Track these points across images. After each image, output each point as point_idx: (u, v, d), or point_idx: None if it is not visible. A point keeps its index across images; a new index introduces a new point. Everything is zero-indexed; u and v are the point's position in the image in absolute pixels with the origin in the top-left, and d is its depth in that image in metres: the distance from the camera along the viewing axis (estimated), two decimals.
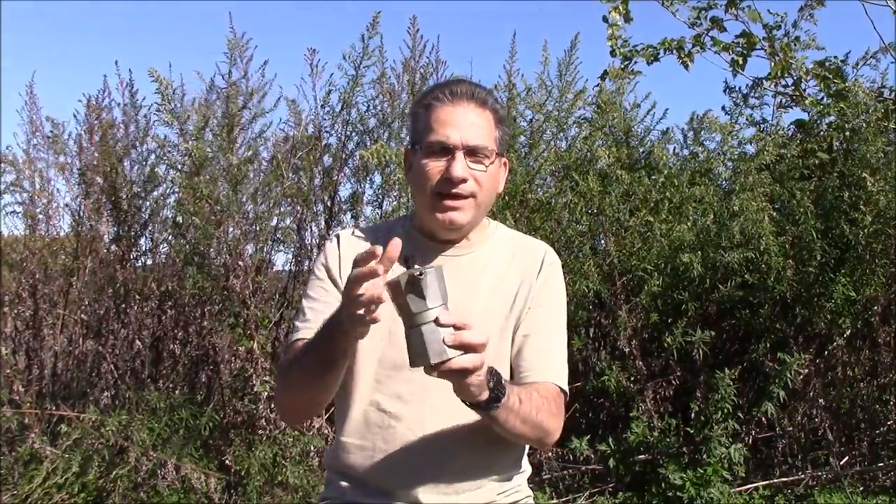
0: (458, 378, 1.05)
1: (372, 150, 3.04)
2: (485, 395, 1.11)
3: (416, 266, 1.04)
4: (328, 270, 1.36)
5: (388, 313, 1.27)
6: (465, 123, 1.28)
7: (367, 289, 1.02)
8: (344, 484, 1.34)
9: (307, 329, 1.31)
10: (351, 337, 1.13)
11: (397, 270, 1.05)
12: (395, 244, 1.03)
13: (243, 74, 3.25)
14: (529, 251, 1.40)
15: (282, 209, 3.42)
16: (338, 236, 1.40)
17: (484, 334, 1.05)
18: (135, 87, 3.50)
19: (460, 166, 1.26)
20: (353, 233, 1.41)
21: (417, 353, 1.04)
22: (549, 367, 1.33)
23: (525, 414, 1.21)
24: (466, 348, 1.03)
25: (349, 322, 1.08)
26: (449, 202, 1.28)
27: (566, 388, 1.34)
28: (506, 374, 1.31)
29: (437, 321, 1.02)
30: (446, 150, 1.27)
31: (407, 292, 1.03)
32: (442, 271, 1.05)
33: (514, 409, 1.18)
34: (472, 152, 1.28)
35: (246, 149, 3.31)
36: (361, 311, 1.04)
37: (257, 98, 3.26)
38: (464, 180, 1.27)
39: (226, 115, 3.21)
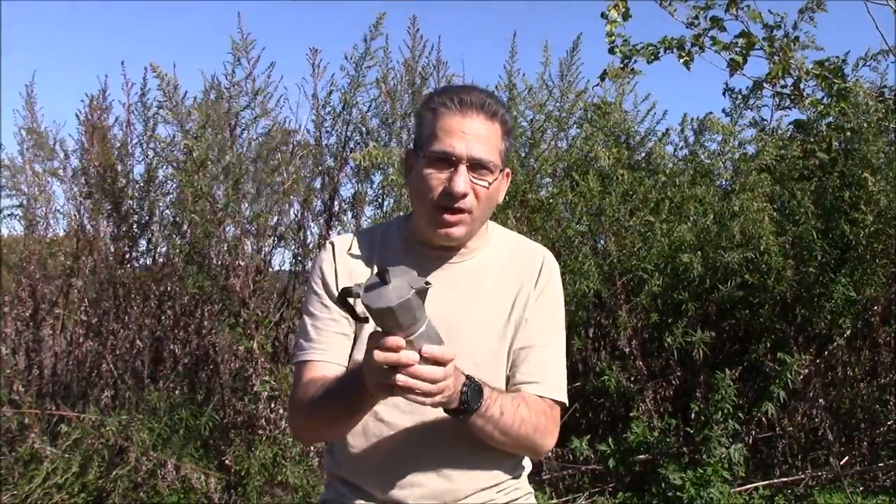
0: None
1: (364, 152, 3.04)
2: (453, 403, 1.14)
3: (391, 297, 1.03)
4: (325, 285, 1.33)
5: None
6: (471, 135, 1.24)
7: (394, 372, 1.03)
8: (343, 489, 1.34)
9: (314, 350, 1.30)
10: (380, 397, 1.14)
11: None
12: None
13: (248, 74, 3.24)
14: (527, 256, 1.39)
15: (282, 209, 3.42)
16: (332, 244, 1.38)
17: (452, 350, 1.07)
18: (147, 86, 3.48)
19: (462, 181, 1.23)
20: (346, 239, 1.38)
21: None
22: (545, 379, 1.32)
23: (505, 426, 1.22)
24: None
25: (379, 390, 1.08)
26: (448, 217, 1.26)
27: (564, 398, 1.34)
28: (501, 381, 1.32)
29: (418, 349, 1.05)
30: (450, 162, 1.24)
31: (386, 317, 1.04)
32: (419, 294, 1.05)
33: (492, 419, 1.20)
34: (476, 166, 1.25)
35: (246, 148, 3.31)
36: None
37: (259, 98, 3.26)
38: (465, 195, 1.25)
39: (226, 114, 3.21)
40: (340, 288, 1.12)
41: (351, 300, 1.10)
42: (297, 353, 1.33)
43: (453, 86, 1.36)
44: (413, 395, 1.05)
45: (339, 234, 3.40)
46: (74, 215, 3.64)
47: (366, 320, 1.12)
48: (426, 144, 1.27)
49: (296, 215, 3.48)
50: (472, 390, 1.15)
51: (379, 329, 1.05)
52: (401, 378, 1.03)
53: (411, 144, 1.38)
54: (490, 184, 1.27)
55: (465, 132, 1.24)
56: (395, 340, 1.02)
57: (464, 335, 1.28)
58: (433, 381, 1.04)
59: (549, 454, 3.12)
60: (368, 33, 3.25)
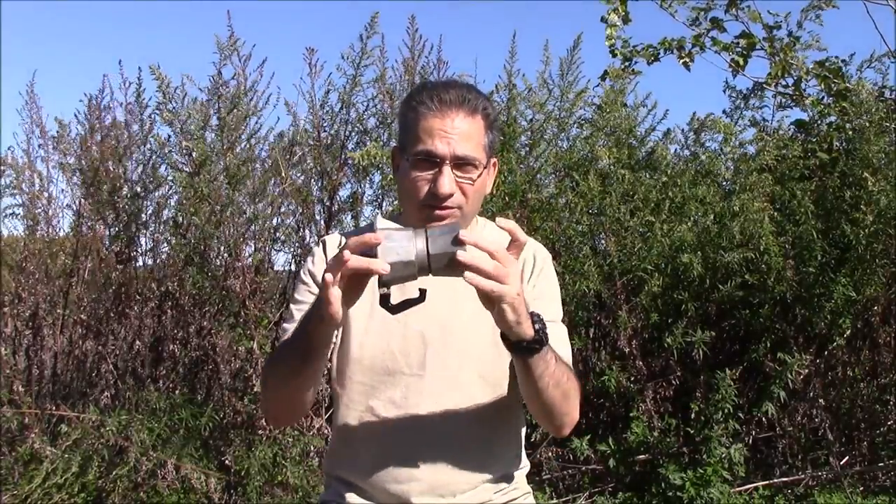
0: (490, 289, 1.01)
1: (362, 152, 3.04)
2: (530, 332, 1.07)
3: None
4: (313, 276, 1.35)
5: (380, 318, 1.27)
6: (453, 134, 1.24)
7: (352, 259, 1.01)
8: (342, 488, 1.34)
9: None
10: (328, 323, 1.08)
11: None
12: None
13: (234, 74, 3.22)
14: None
15: (282, 209, 3.42)
16: (324, 241, 1.40)
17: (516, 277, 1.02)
18: (142, 86, 3.49)
19: (447, 181, 1.23)
20: (339, 238, 1.40)
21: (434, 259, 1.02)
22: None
23: (558, 377, 1.17)
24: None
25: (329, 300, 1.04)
26: (438, 212, 1.26)
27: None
28: (504, 378, 1.31)
29: (456, 238, 1.00)
30: (433, 162, 1.24)
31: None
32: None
33: (550, 364, 1.14)
34: (461, 164, 1.25)
35: (245, 149, 3.30)
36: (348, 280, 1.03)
37: (254, 97, 3.25)
38: (450, 195, 1.24)
39: (220, 116, 3.20)
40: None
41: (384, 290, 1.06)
42: (281, 336, 1.34)
43: (433, 83, 1.35)
44: (473, 273, 1.00)
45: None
46: (76, 215, 3.64)
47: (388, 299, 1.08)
48: (410, 146, 1.27)
49: (294, 216, 3.47)
50: (542, 324, 1.08)
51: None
52: (466, 253, 0.99)
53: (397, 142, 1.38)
54: (475, 180, 1.27)
55: (446, 131, 1.24)
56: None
57: (457, 334, 1.28)
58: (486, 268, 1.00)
59: (550, 454, 3.13)
60: (365, 32, 3.25)
